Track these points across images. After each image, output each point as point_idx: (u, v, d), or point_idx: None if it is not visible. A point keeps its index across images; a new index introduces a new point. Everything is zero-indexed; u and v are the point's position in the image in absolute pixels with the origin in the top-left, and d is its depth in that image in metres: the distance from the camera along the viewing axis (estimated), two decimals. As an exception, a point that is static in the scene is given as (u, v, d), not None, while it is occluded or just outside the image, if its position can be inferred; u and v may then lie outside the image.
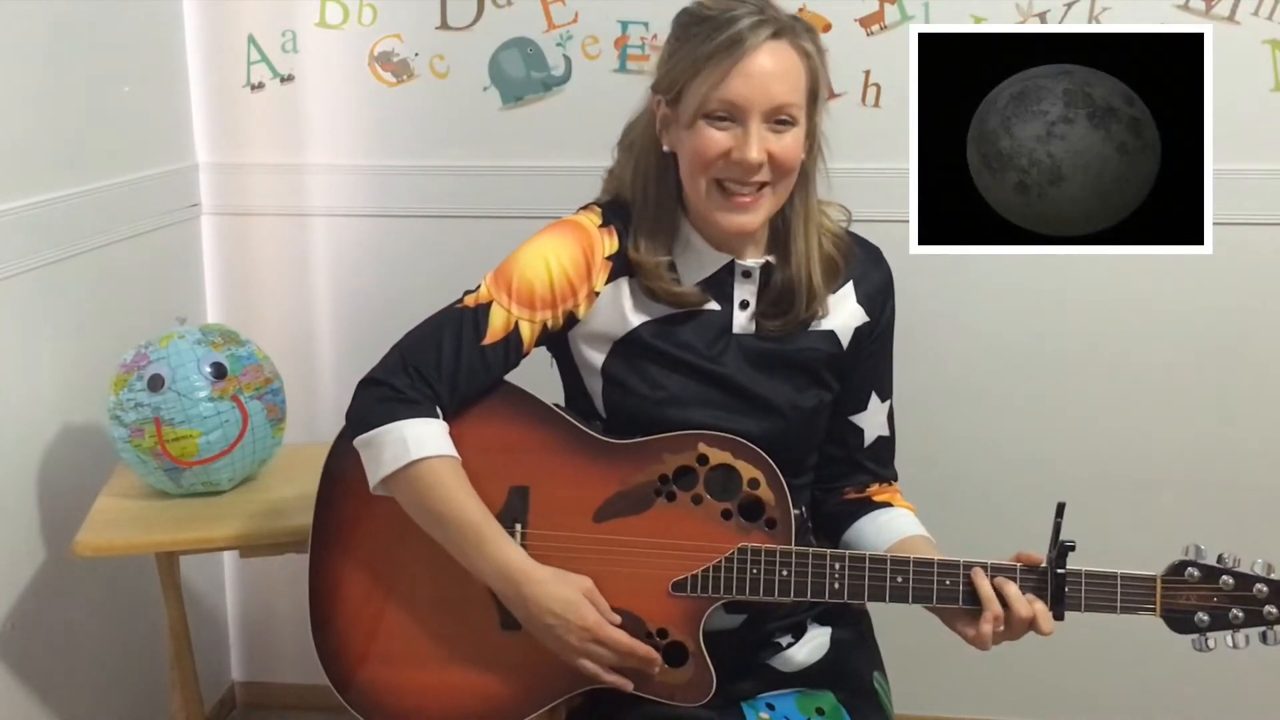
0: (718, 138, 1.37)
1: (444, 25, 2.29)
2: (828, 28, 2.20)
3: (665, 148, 1.44)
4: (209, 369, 1.86)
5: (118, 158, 2.15)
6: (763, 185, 1.39)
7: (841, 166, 2.19)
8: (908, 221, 2.22)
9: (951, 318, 2.28)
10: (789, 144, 1.39)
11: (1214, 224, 2.16)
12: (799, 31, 1.39)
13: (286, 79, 2.35)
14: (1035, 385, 2.29)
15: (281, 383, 1.98)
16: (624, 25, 2.21)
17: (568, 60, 2.26)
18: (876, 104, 2.22)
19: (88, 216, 2.05)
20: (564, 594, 1.36)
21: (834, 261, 1.49)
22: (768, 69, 1.35)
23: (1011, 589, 1.34)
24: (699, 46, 1.37)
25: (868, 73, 2.21)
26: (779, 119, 1.37)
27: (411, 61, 2.31)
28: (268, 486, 1.95)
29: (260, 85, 2.35)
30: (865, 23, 2.19)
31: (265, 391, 1.92)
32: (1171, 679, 2.37)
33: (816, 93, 1.42)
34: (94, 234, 2.07)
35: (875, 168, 2.23)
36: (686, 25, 1.41)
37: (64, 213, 1.98)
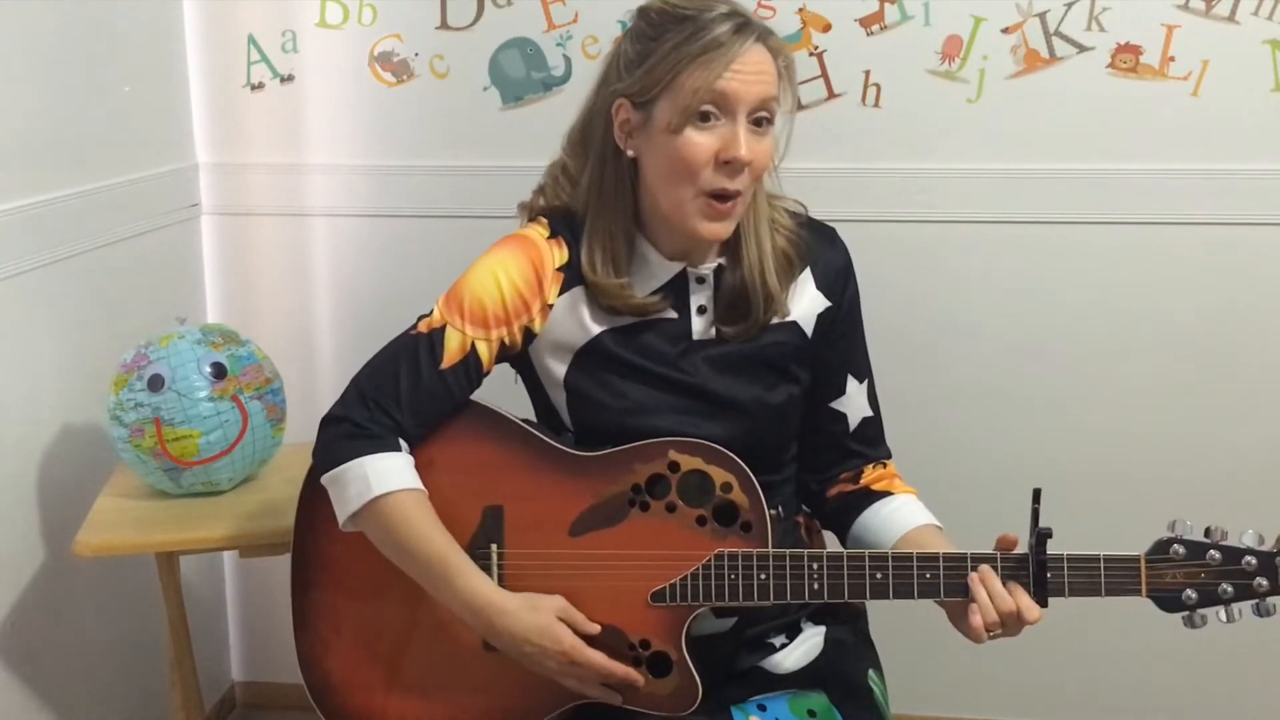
0: (705, 141, 1.35)
1: (444, 25, 2.29)
2: (828, 28, 2.20)
3: (630, 153, 1.41)
4: (209, 369, 1.86)
5: (118, 158, 2.15)
6: (739, 192, 1.38)
7: (841, 166, 2.22)
8: (907, 222, 2.24)
9: (951, 318, 2.28)
10: (767, 148, 1.38)
11: (1214, 224, 2.18)
12: (772, 36, 1.39)
13: (286, 79, 2.35)
14: (1035, 385, 2.29)
15: (281, 383, 1.98)
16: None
17: (568, 60, 2.26)
18: (877, 104, 2.22)
19: (88, 216, 2.05)
20: (536, 621, 1.35)
21: (787, 257, 1.48)
22: (755, 67, 1.35)
23: (994, 585, 1.32)
24: (683, 46, 1.34)
25: (868, 73, 2.21)
26: (760, 117, 1.36)
27: (411, 61, 2.31)
28: (268, 486, 1.95)
29: (260, 85, 2.35)
30: (865, 23, 2.19)
31: (265, 391, 1.92)
32: (1172, 679, 2.37)
33: (782, 100, 1.41)
34: (94, 234, 2.07)
35: (875, 168, 2.24)
36: (659, 25, 1.37)
37: (64, 213, 1.98)
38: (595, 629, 1.37)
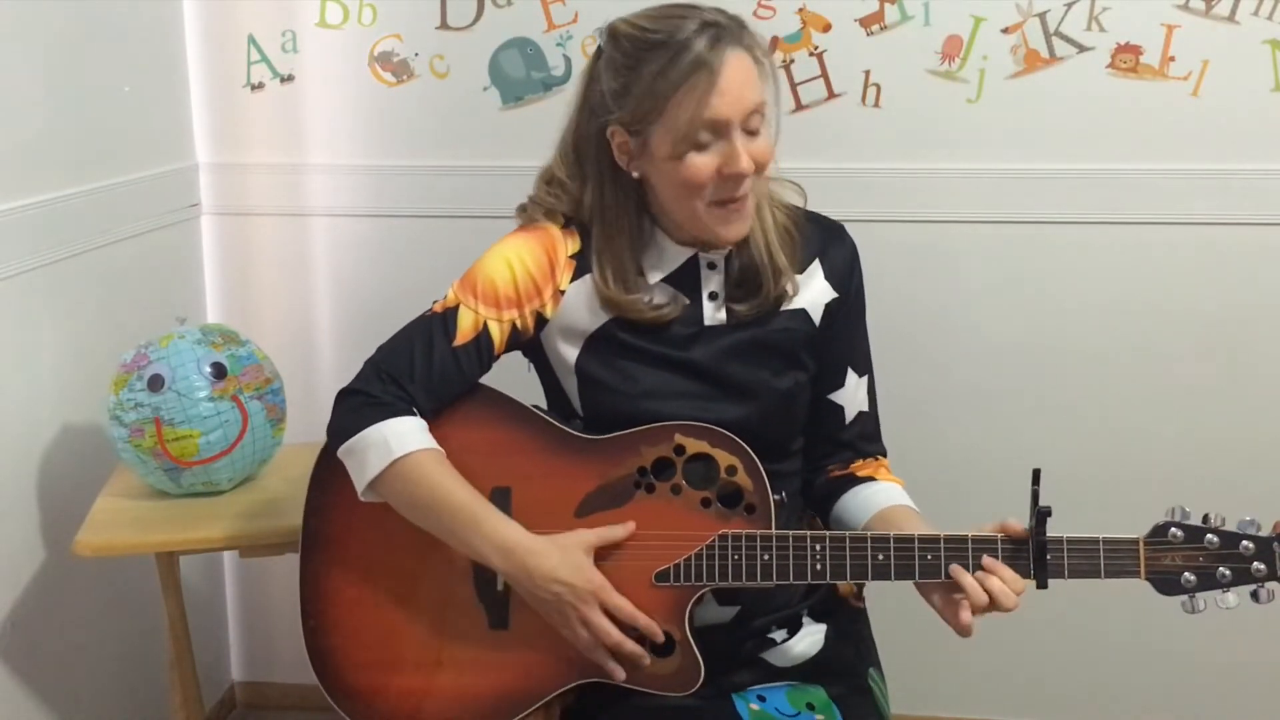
0: (705, 162, 1.37)
1: (444, 25, 2.29)
2: (828, 28, 2.20)
3: (635, 175, 1.44)
4: (209, 369, 1.86)
5: (118, 158, 2.15)
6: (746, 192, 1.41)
7: (842, 166, 2.22)
8: (907, 222, 2.24)
9: (951, 317, 2.28)
10: (764, 145, 1.40)
11: (1214, 224, 2.18)
12: (745, 33, 1.39)
13: (286, 79, 2.35)
14: (1034, 384, 2.29)
15: (281, 383, 1.98)
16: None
17: (568, 60, 2.26)
18: (876, 104, 2.22)
19: (88, 216, 2.05)
20: (567, 560, 1.37)
21: (789, 232, 1.50)
22: (739, 80, 1.36)
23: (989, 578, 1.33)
24: (661, 79, 1.35)
25: (868, 73, 2.21)
26: (751, 124, 1.39)
27: (411, 61, 2.31)
28: (268, 486, 1.95)
29: (260, 85, 2.35)
30: (865, 23, 2.19)
31: (265, 391, 1.92)
32: (1171, 679, 2.37)
33: (769, 89, 1.43)
34: (94, 234, 2.07)
35: (875, 168, 2.24)
36: (634, 54, 1.38)
37: (64, 213, 1.98)
38: (624, 531, 1.39)
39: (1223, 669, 2.35)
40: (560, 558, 1.37)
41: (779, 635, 1.52)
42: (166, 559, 1.86)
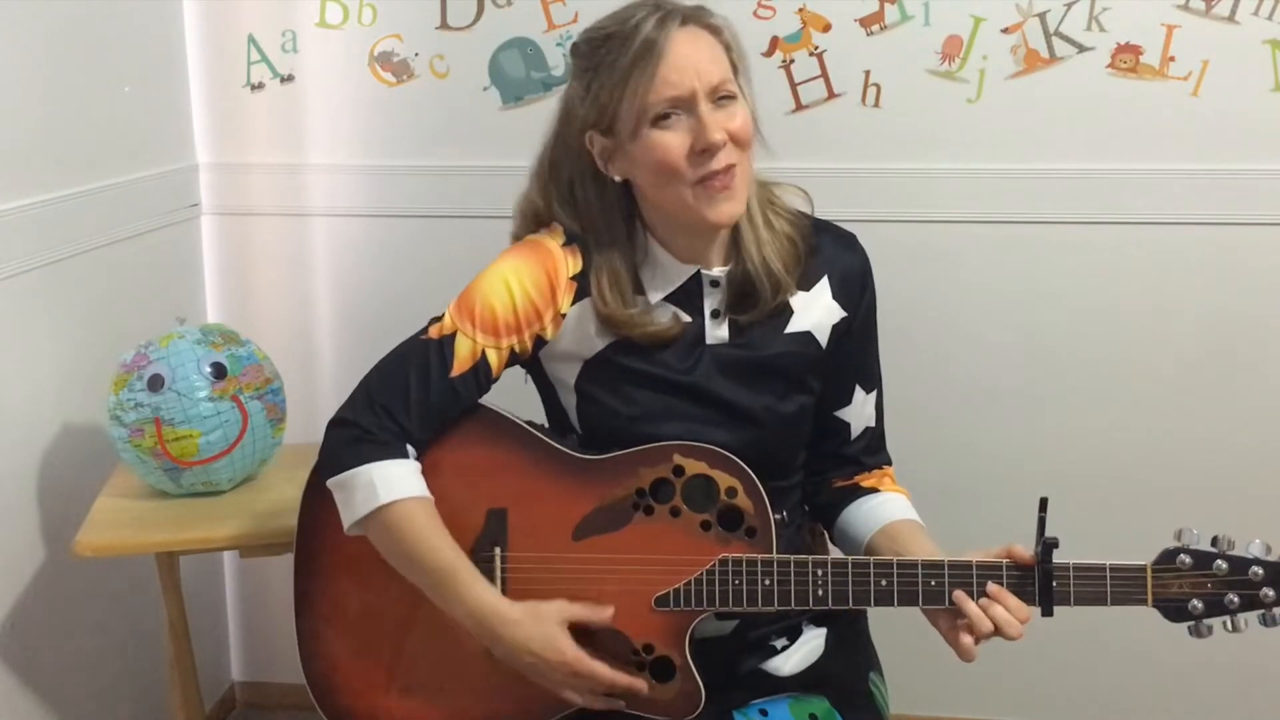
0: (673, 139, 1.35)
1: (444, 25, 2.29)
2: (828, 28, 2.20)
3: (617, 178, 1.42)
4: (209, 369, 1.86)
5: (118, 158, 2.15)
6: (731, 165, 1.36)
7: (841, 166, 2.22)
8: (907, 222, 2.24)
9: (951, 318, 2.28)
10: (739, 117, 1.37)
11: (1214, 224, 2.18)
12: (700, 14, 1.39)
13: (286, 79, 2.35)
14: (1034, 386, 2.29)
15: (281, 383, 1.98)
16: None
17: (567, 60, 2.26)
18: (876, 104, 2.22)
19: (88, 216, 2.05)
20: (540, 631, 1.35)
21: (791, 240, 1.46)
22: (692, 54, 1.35)
23: (990, 603, 1.32)
24: (618, 61, 1.35)
25: (868, 73, 2.21)
26: (721, 96, 1.36)
27: (411, 61, 2.31)
28: (268, 486, 1.95)
29: (260, 85, 2.35)
30: (865, 23, 2.19)
31: (265, 391, 1.92)
32: (1172, 679, 2.37)
33: (737, 65, 1.41)
34: (94, 234, 2.07)
35: (875, 168, 2.23)
36: (590, 54, 1.39)
37: (64, 213, 1.98)
38: (607, 614, 1.37)
39: (1223, 672, 2.35)
40: (533, 628, 1.35)
41: (779, 643, 1.51)
42: (166, 559, 1.86)
